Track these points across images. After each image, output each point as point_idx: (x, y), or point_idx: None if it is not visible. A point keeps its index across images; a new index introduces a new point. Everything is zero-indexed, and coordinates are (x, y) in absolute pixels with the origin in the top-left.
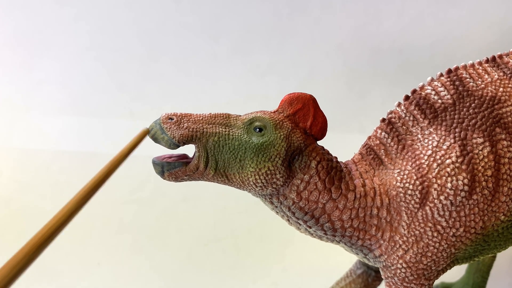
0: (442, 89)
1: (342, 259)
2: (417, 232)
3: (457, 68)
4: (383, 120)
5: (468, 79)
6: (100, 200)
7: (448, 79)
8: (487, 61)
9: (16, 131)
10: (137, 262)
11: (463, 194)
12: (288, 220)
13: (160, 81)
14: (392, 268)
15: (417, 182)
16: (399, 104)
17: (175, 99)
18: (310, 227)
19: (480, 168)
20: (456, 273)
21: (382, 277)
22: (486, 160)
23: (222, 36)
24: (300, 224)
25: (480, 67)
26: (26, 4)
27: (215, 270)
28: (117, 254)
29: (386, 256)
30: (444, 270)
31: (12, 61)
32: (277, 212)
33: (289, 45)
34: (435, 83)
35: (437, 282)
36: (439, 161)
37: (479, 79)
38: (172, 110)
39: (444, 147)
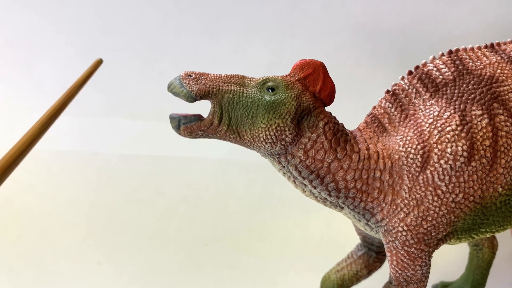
0: (443, 66)
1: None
2: (418, 195)
3: (457, 50)
4: (388, 91)
5: (467, 60)
6: (100, 200)
7: (449, 58)
8: (485, 46)
9: (16, 131)
10: (137, 262)
11: (462, 159)
12: (294, 181)
13: (160, 81)
14: (393, 231)
15: (419, 147)
16: (402, 78)
17: (175, 99)
18: (315, 188)
19: (478, 137)
20: (456, 272)
21: (384, 242)
22: (484, 130)
23: (222, 36)
24: (305, 186)
25: (479, 51)
26: (26, 4)
27: (215, 270)
28: (117, 254)
29: (387, 220)
30: (443, 240)
31: (12, 61)
32: (284, 173)
33: (289, 45)
34: (437, 61)
35: (436, 281)
36: (440, 128)
37: (478, 61)
38: (172, 111)
39: (445, 116)
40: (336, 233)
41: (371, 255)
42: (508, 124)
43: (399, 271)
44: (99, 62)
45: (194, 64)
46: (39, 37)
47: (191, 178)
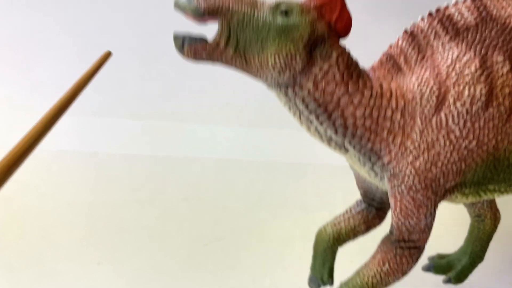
0: (466, 11)
1: (342, 260)
2: (429, 139)
3: None
4: (406, 31)
5: (492, 8)
6: (100, 200)
7: (473, 4)
8: None
9: (16, 131)
10: (137, 262)
11: (479, 104)
12: (300, 117)
13: (160, 81)
14: (400, 175)
15: (434, 88)
16: (422, 19)
17: (175, 99)
18: (321, 124)
19: (498, 83)
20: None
21: (388, 187)
22: (505, 77)
23: None
24: (311, 122)
25: (504, 1)
26: (26, 4)
27: (215, 270)
28: (117, 254)
29: (395, 163)
30: (451, 192)
31: (12, 61)
32: (290, 108)
33: None
34: (459, 5)
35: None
36: (458, 71)
37: (503, 10)
38: (172, 111)
39: (464, 59)
40: None
41: (371, 211)
42: None
43: (402, 219)
44: (107, 55)
45: (194, 64)
46: (39, 37)
47: (191, 178)
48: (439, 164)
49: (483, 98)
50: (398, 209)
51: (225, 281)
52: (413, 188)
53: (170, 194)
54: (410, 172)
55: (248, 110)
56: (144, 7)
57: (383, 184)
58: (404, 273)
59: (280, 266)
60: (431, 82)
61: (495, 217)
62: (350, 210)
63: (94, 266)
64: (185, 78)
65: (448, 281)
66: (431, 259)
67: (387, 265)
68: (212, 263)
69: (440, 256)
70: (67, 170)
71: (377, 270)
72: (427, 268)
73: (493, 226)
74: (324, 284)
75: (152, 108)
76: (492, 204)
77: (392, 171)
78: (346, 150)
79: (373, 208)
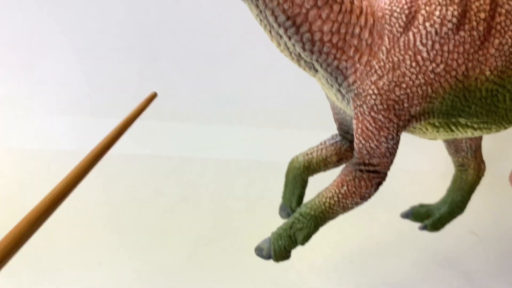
0: None
1: (342, 260)
2: (395, 59)
3: None
4: None
5: None
6: (100, 200)
7: None
8: None
9: (16, 131)
10: (137, 262)
11: (450, 25)
12: (270, 31)
13: (160, 81)
14: (363, 94)
15: (405, 6)
16: None
17: (175, 99)
18: (289, 38)
19: (473, 7)
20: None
21: (351, 108)
22: (482, 2)
23: (222, 36)
24: (280, 37)
25: None
26: (26, 4)
27: (215, 270)
28: (117, 254)
29: (359, 82)
30: (417, 119)
31: (12, 61)
32: (261, 21)
33: None
34: None
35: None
36: None
37: None
38: (171, 111)
39: None
40: (336, 233)
41: (344, 143)
42: (510, 3)
43: (363, 141)
44: (153, 96)
45: (194, 64)
46: (39, 37)
47: (191, 178)
48: (404, 85)
49: (454, 20)
50: (359, 131)
51: (225, 281)
52: (375, 108)
53: (170, 194)
54: (373, 91)
55: (248, 110)
56: (144, 7)
57: (350, 108)
58: (362, 197)
59: (280, 266)
60: (403, 1)
61: (479, 168)
62: (325, 142)
63: (94, 266)
64: (185, 78)
65: (424, 227)
66: (412, 207)
67: (345, 187)
68: (212, 263)
69: (422, 205)
70: (67, 170)
71: (335, 192)
72: (406, 215)
73: (476, 177)
74: (293, 212)
75: (152, 108)
76: (476, 154)
77: (356, 91)
78: (316, 71)
79: (347, 141)
